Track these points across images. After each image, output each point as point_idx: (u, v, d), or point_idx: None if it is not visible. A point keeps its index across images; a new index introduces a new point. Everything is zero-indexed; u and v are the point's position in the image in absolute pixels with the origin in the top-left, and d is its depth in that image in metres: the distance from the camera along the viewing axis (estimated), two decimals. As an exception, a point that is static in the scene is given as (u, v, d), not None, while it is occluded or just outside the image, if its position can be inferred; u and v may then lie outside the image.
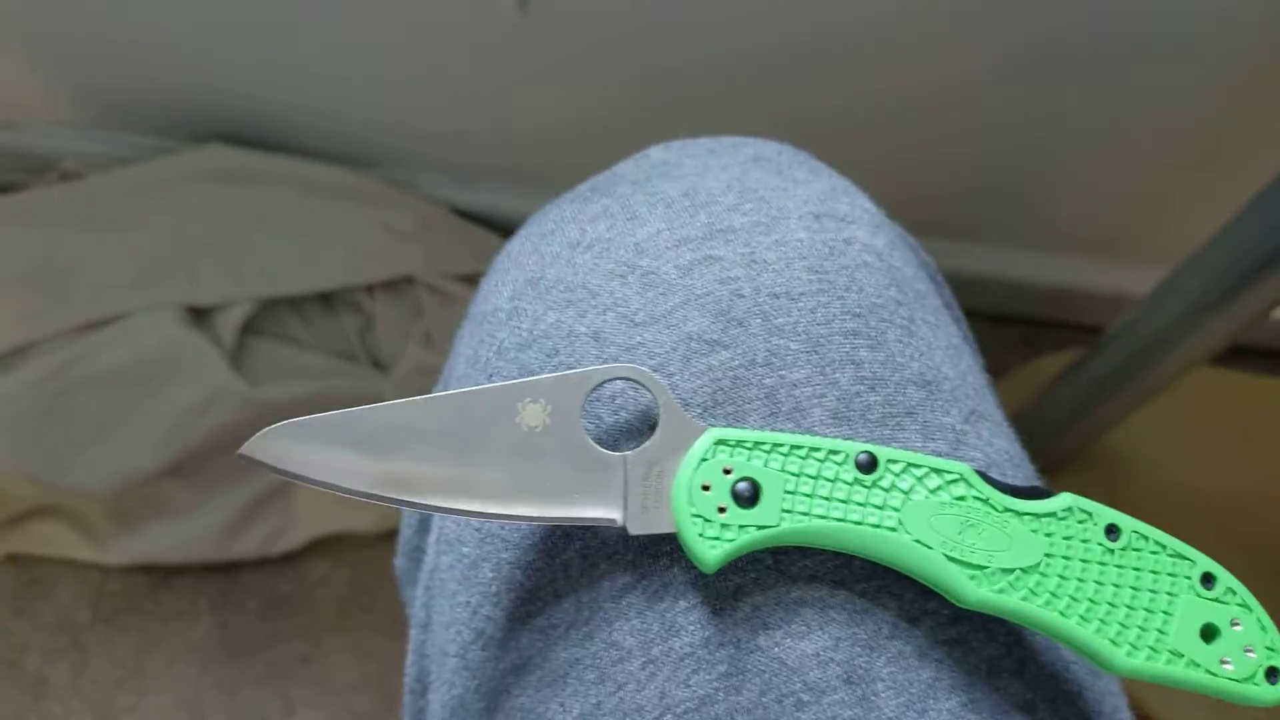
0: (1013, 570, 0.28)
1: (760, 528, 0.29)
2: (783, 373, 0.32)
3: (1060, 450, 1.00)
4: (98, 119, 1.23)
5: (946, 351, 0.36)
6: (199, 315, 1.17)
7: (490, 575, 0.33)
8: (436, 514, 0.38)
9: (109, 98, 1.20)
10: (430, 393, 0.31)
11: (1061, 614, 0.28)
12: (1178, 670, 0.28)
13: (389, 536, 1.25)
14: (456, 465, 0.29)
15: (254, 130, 1.22)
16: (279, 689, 1.17)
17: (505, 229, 1.30)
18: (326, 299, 1.22)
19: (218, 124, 1.22)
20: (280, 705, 1.16)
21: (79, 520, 1.16)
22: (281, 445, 0.29)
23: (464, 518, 0.35)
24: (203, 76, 1.15)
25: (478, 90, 1.12)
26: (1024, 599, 0.28)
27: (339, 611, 1.21)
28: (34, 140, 1.24)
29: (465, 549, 0.35)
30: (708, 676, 0.30)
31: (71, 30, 1.08)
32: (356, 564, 1.24)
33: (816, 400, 0.32)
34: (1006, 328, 1.33)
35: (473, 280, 1.23)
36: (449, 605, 0.35)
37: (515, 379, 0.30)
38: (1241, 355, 1.30)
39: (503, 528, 0.33)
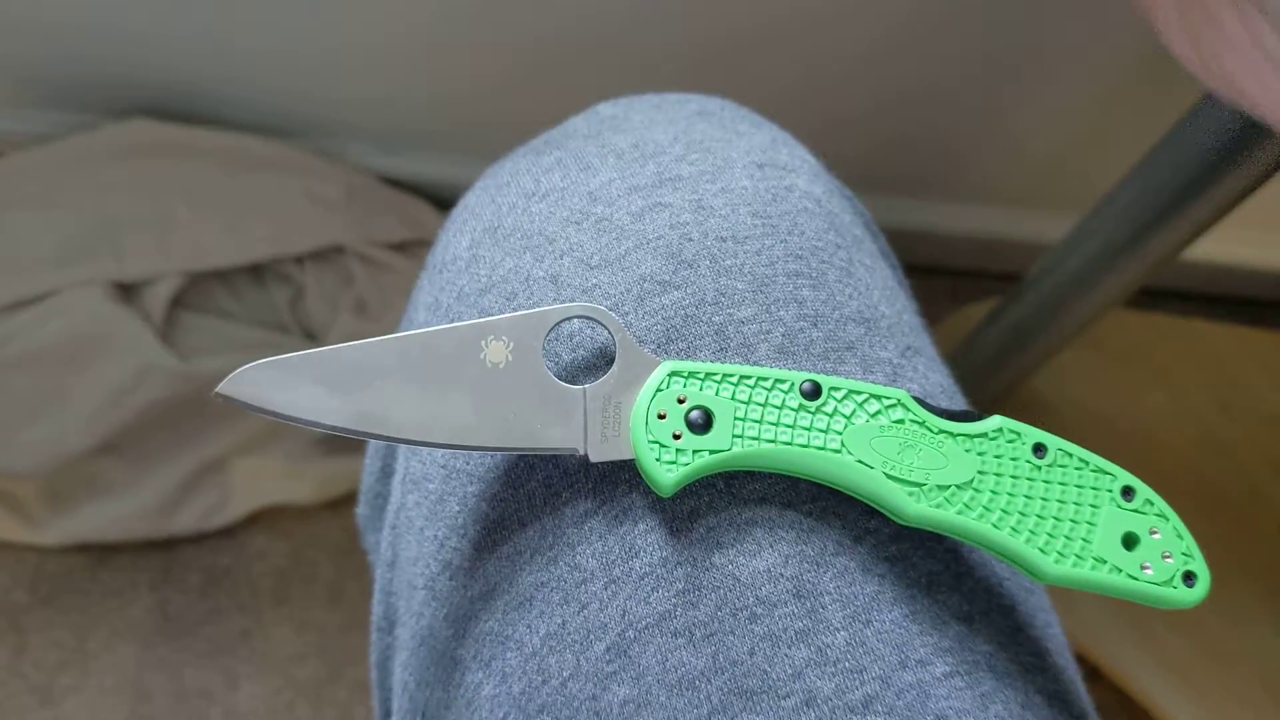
0: (948, 487, 0.30)
1: (713, 452, 0.31)
2: (731, 310, 0.34)
3: (987, 394, 1.03)
4: (18, 96, 1.21)
5: (883, 291, 0.39)
6: (127, 291, 1.16)
7: (456, 508, 0.35)
8: (402, 455, 0.39)
9: (29, 74, 1.18)
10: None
11: (994, 526, 0.30)
12: (1102, 575, 0.30)
13: (328, 508, 1.25)
14: (425, 400, 0.30)
15: (178, 104, 1.21)
16: (221, 664, 1.17)
17: (434, 196, 1.30)
18: (256, 271, 1.22)
19: (141, 98, 1.20)
20: (223, 680, 1.16)
21: (13, 502, 1.15)
22: (257, 383, 0.30)
23: (429, 455, 0.37)
24: (124, 50, 1.13)
25: (399, 55, 1.12)
26: (959, 513, 0.30)
27: (278, 584, 1.22)
28: (-49, 119, 1.21)
29: (431, 485, 0.36)
30: (666, 594, 0.32)
31: (-14, 4, 1.06)
32: (295, 536, 1.24)
33: (763, 336, 0.34)
34: (935, 279, 1.37)
35: (402, 248, 1.24)
36: (416, 540, 0.37)
37: (471, 320, 0.32)
38: (1157, 298, 1.35)
39: (468, 462, 0.35)
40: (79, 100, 1.21)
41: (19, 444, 1.10)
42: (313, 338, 1.22)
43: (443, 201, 1.31)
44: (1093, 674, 1.12)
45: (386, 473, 0.43)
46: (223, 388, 0.29)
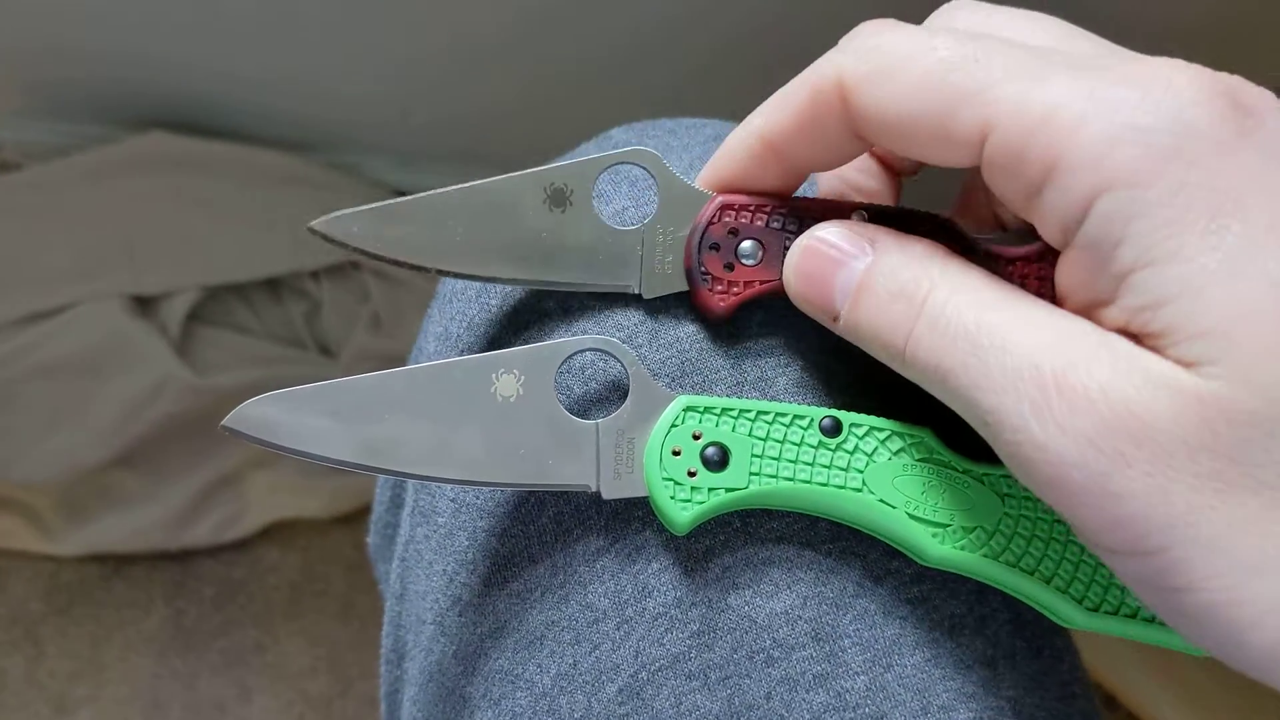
0: (974, 528, 0.29)
1: (729, 490, 0.30)
2: (747, 344, 0.33)
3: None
4: (38, 108, 1.21)
5: None
6: (144, 304, 1.16)
7: (466, 543, 0.34)
8: (411, 487, 0.39)
9: (49, 86, 1.18)
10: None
11: (1022, 570, 0.29)
12: (1135, 626, 0.29)
13: (340, 522, 1.25)
14: (434, 434, 0.30)
15: (196, 117, 1.21)
16: (235, 677, 1.16)
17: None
18: (272, 285, 1.22)
19: (159, 111, 1.21)
20: (236, 693, 1.16)
21: (30, 512, 1.15)
22: (263, 416, 0.29)
23: (438, 488, 0.36)
24: (144, 64, 1.13)
25: (417, 72, 1.12)
26: (985, 556, 0.29)
27: (291, 598, 1.22)
28: (-29, 130, 1.21)
29: (440, 519, 0.35)
30: (680, 635, 0.31)
31: (10, 19, 1.06)
32: (308, 549, 1.24)
33: (781, 370, 0.33)
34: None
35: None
36: (425, 575, 0.36)
37: (481, 354, 0.31)
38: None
39: (477, 496, 0.34)
40: (98, 113, 1.21)
41: (36, 455, 1.10)
42: (328, 353, 1.22)
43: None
44: (1109, 701, 1.11)
45: (396, 503, 0.42)
46: (228, 422, 0.29)
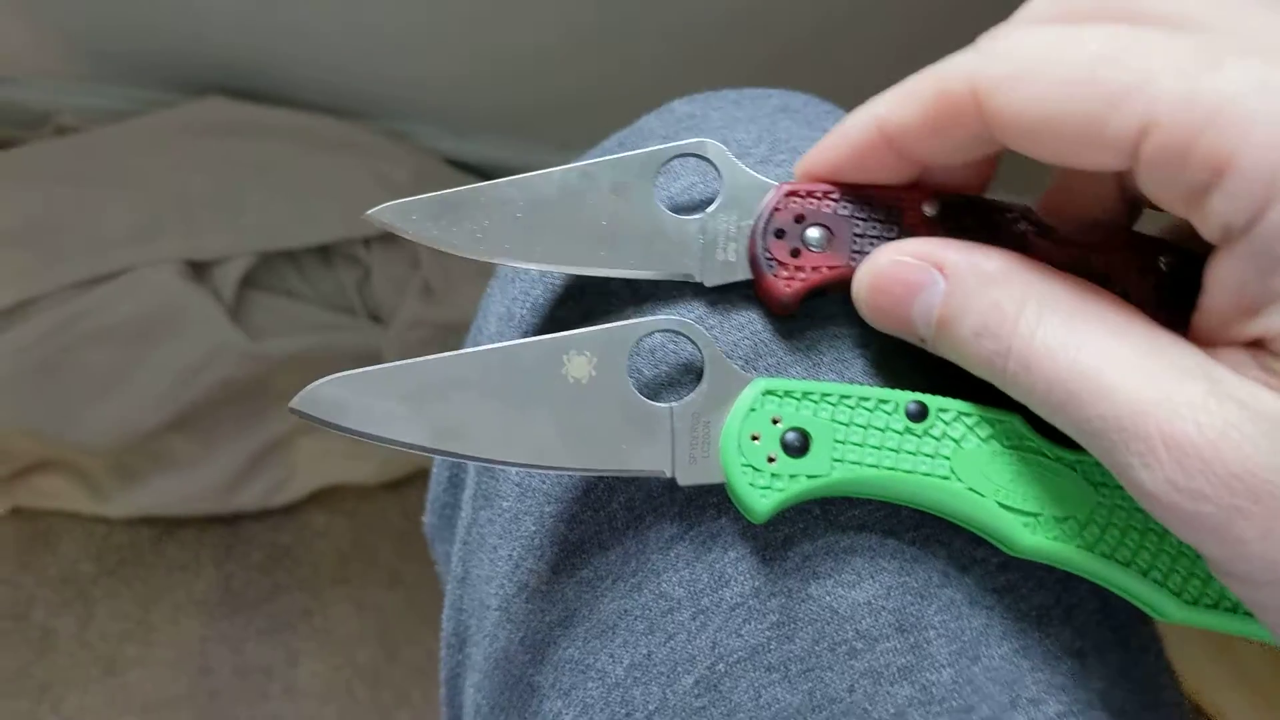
0: (1066, 518, 0.28)
1: (811, 477, 0.29)
2: (820, 326, 0.32)
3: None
4: (95, 72, 1.21)
5: None
6: (198, 269, 1.17)
7: (533, 528, 0.33)
8: (472, 469, 0.38)
9: (106, 51, 1.18)
10: (455, 348, 0.31)
11: (1117, 562, 0.28)
12: (1234, 620, 0.28)
13: (388, 488, 1.25)
14: (505, 418, 0.29)
15: (252, 82, 1.21)
16: (282, 641, 1.17)
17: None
18: (324, 252, 1.22)
19: (216, 76, 1.21)
20: (284, 657, 1.17)
21: (82, 474, 1.16)
22: (332, 399, 0.28)
23: (503, 471, 0.35)
24: (201, 29, 1.13)
25: (470, 37, 1.11)
26: (1079, 547, 0.28)
27: (339, 563, 1.22)
28: (31, 95, 1.22)
29: (505, 503, 0.35)
30: (760, 625, 0.30)
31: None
32: (356, 515, 1.25)
33: (859, 352, 0.32)
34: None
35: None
36: (489, 559, 0.35)
37: (552, 334, 0.30)
38: None
39: (544, 481, 0.33)
40: (156, 78, 1.22)
41: (91, 418, 1.11)
42: (378, 320, 1.21)
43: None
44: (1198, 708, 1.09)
45: (455, 483, 0.41)
46: (297, 404, 0.28)
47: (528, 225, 0.31)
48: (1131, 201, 0.29)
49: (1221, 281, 0.23)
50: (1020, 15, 0.27)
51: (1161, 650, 0.35)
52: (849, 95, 0.40)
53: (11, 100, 1.22)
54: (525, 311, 0.35)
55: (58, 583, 1.17)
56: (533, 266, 0.31)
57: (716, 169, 0.31)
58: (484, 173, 1.29)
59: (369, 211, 0.30)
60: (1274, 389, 0.22)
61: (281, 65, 1.19)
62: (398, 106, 1.25)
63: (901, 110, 0.27)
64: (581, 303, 0.34)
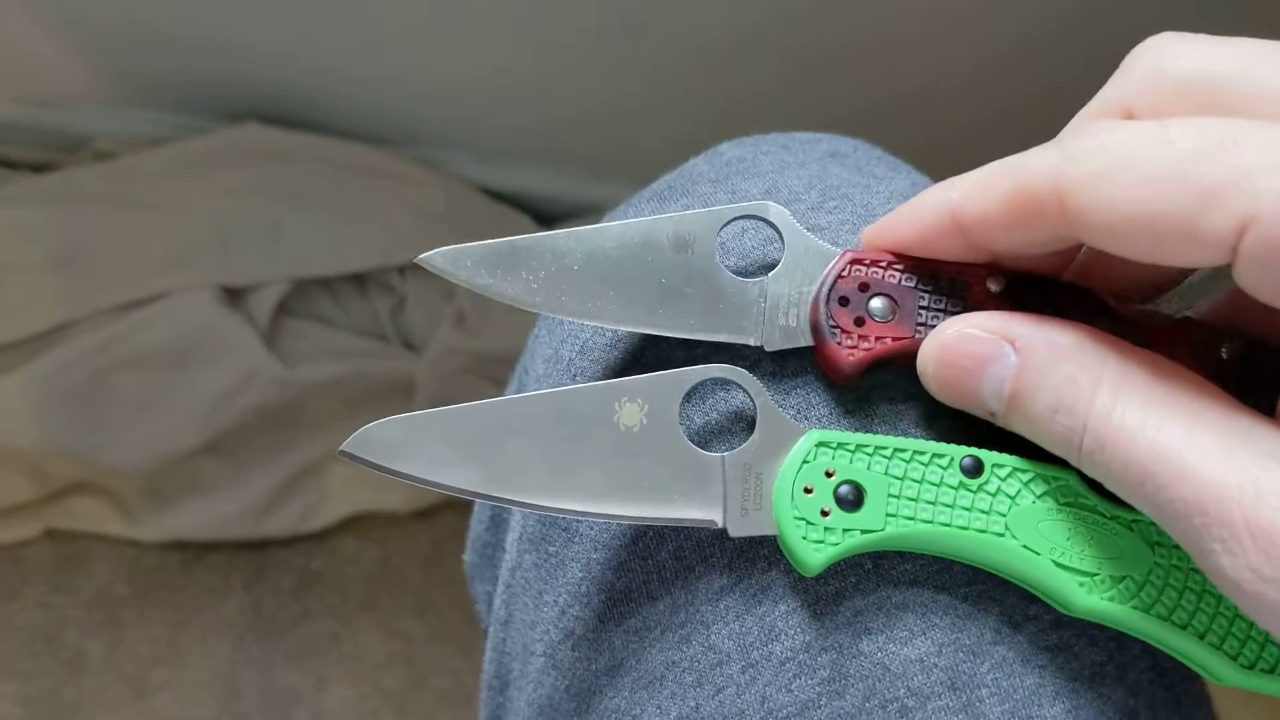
0: (1123, 578, 0.27)
1: (865, 531, 0.28)
2: (879, 389, 0.32)
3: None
4: (133, 98, 1.22)
5: None
6: (234, 295, 1.17)
7: (579, 575, 0.33)
8: (517, 511, 0.38)
9: (145, 77, 1.19)
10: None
11: (1174, 624, 0.27)
12: None
13: (419, 516, 1.25)
14: (556, 464, 0.29)
15: (288, 109, 1.22)
16: (311, 667, 1.17)
17: (532, 210, 1.29)
18: (359, 279, 1.22)
19: (253, 103, 1.22)
20: (312, 682, 1.16)
21: (115, 497, 1.17)
22: (383, 442, 0.28)
23: (550, 516, 0.35)
24: (238, 56, 1.14)
25: (505, 68, 1.12)
26: (1135, 608, 0.27)
27: (369, 590, 1.22)
28: (70, 120, 1.23)
29: (551, 548, 0.34)
30: (810, 681, 0.30)
31: (108, 9, 1.08)
32: (386, 543, 1.25)
33: (913, 410, 0.32)
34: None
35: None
36: (533, 604, 0.35)
37: (600, 379, 0.30)
38: None
39: (591, 527, 0.33)
40: (193, 104, 1.23)
41: (126, 441, 1.12)
42: (412, 348, 1.22)
43: (541, 215, 1.31)
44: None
45: (497, 523, 0.41)
46: (348, 446, 0.28)
47: (584, 279, 0.30)
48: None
49: None
50: (1102, 99, 0.26)
51: (1210, 708, 0.34)
52: (869, 118, 0.40)
53: (50, 125, 1.23)
54: (574, 354, 0.35)
55: (89, 605, 1.17)
56: (589, 323, 0.31)
57: (779, 232, 0.31)
58: (518, 200, 1.29)
59: (421, 256, 0.30)
60: None
61: (317, 93, 1.20)
62: (432, 134, 1.25)
63: (979, 201, 0.26)
64: (631, 347, 0.34)
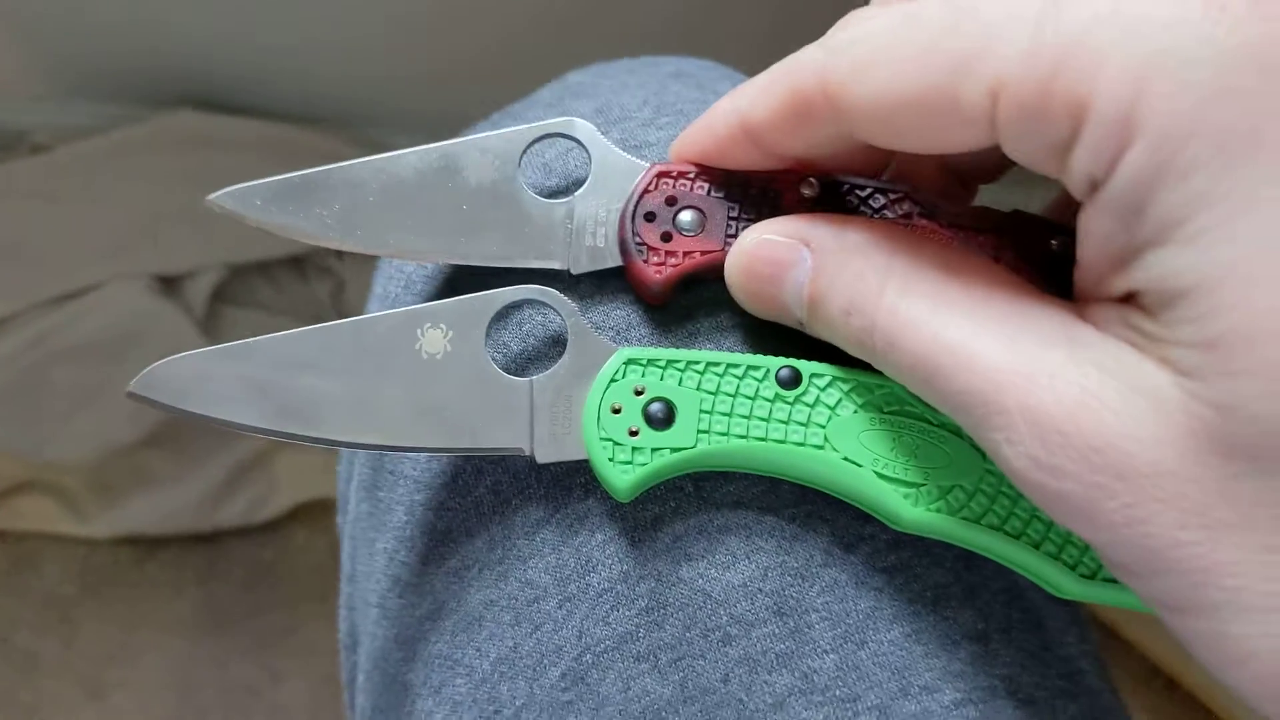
0: (951, 488, 0.26)
1: (675, 450, 0.27)
2: (699, 290, 0.30)
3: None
4: (68, 90, 1.21)
5: None
6: (169, 284, 1.16)
7: (404, 518, 0.32)
8: (358, 460, 0.36)
9: (78, 68, 1.18)
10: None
11: (1007, 534, 0.26)
12: (1131, 595, 0.26)
13: (371, 502, 1.23)
14: (354, 395, 0.27)
15: (224, 94, 1.20)
16: (265, 660, 1.16)
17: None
18: (297, 263, 1.21)
19: (187, 89, 1.20)
20: (267, 676, 1.15)
21: (63, 494, 1.15)
22: (171, 380, 0.27)
23: (379, 459, 0.33)
24: (171, 41, 1.13)
25: (441, 47, 1.10)
26: (965, 519, 0.26)
27: (320, 579, 1.21)
28: (4, 115, 1.22)
29: (380, 493, 0.33)
30: (627, 612, 0.28)
31: (39, 1, 1.06)
32: (336, 531, 1.23)
33: (736, 319, 0.30)
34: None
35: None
36: (368, 554, 0.34)
37: (405, 307, 0.29)
38: None
39: (414, 467, 0.32)
40: (128, 93, 1.21)
41: (65, 434, 1.10)
42: (355, 330, 1.20)
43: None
44: (1170, 684, 1.06)
45: (348, 477, 0.40)
46: (134, 386, 0.26)
47: (381, 210, 0.29)
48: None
49: (1090, 235, 0.21)
50: None
51: (1087, 633, 0.33)
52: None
53: (-15, 122, 1.22)
54: (399, 290, 0.34)
55: (40, 605, 1.16)
56: (385, 255, 0.29)
57: (585, 149, 0.29)
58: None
59: (209, 198, 0.29)
60: (1139, 348, 0.20)
61: (250, 76, 1.18)
62: (369, 114, 1.24)
63: (760, 106, 0.25)
64: (454, 279, 0.32)
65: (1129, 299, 0.21)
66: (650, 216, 0.28)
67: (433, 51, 1.12)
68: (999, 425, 0.21)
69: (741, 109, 0.26)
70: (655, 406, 0.27)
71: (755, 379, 0.27)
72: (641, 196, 0.28)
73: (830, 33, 0.24)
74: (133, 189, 1.17)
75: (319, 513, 1.23)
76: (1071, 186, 0.21)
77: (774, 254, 0.26)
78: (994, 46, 0.20)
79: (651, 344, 0.30)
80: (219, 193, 0.28)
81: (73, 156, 1.19)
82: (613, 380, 0.27)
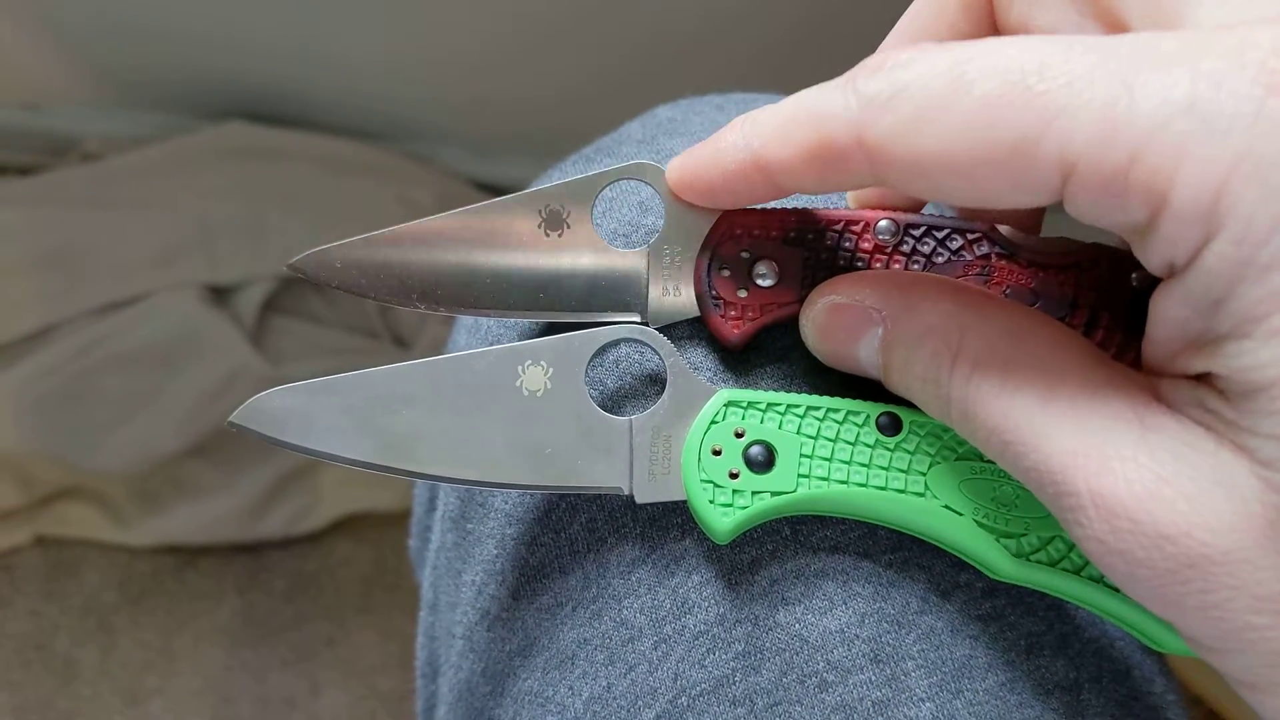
0: (1052, 538, 0.26)
1: (775, 494, 0.27)
2: (796, 333, 0.30)
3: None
4: (119, 99, 1.22)
5: None
6: (219, 294, 1.16)
7: (494, 552, 0.32)
8: (442, 490, 0.36)
9: (131, 77, 1.19)
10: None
11: (1106, 587, 0.26)
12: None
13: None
14: (454, 431, 0.27)
15: (274, 107, 1.21)
16: (305, 671, 1.16)
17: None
18: (347, 275, 1.21)
19: (238, 101, 1.21)
20: (307, 687, 1.15)
21: (106, 502, 1.16)
22: (273, 412, 0.27)
23: (468, 492, 0.33)
24: (223, 54, 1.14)
25: (494, 58, 1.11)
26: (1064, 570, 0.26)
27: (363, 591, 1.21)
28: (57, 122, 1.23)
29: (469, 525, 0.33)
30: (724, 656, 0.28)
31: (93, 10, 1.07)
32: (380, 543, 1.23)
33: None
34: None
35: (494, 256, 1.22)
36: (454, 585, 0.34)
37: (507, 345, 0.29)
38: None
39: (506, 501, 0.32)
40: (179, 103, 1.22)
41: (112, 444, 1.11)
42: (402, 344, 1.21)
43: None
44: (1211, 714, 1.05)
45: (433, 506, 0.40)
46: (236, 417, 0.27)
47: (458, 267, 0.29)
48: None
49: (1165, 315, 0.21)
50: (898, 31, 0.25)
51: (1171, 682, 0.33)
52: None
53: (36, 128, 1.23)
54: (492, 322, 0.34)
55: (81, 612, 1.16)
56: (469, 315, 0.29)
57: (659, 194, 0.29)
58: (509, 193, 1.28)
59: (290, 261, 0.29)
60: (1215, 432, 0.20)
61: (303, 89, 1.19)
62: (421, 129, 1.24)
63: (778, 147, 0.24)
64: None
65: (1202, 378, 0.21)
66: (725, 269, 0.28)
67: (485, 70, 1.13)
68: (1069, 506, 0.21)
69: (755, 148, 0.25)
70: (756, 449, 0.27)
71: (855, 424, 0.27)
72: (715, 250, 0.28)
73: (858, 75, 0.23)
74: (184, 199, 1.18)
75: (362, 525, 1.23)
76: (1148, 265, 0.21)
77: (845, 320, 0.26)
78: (1062, 123, 0.19)
79: (745, 385, 0.30)
80: (299, 257, 0.29)
81: (124, 165, 1.20)
82: (713, 422, 0.27)
